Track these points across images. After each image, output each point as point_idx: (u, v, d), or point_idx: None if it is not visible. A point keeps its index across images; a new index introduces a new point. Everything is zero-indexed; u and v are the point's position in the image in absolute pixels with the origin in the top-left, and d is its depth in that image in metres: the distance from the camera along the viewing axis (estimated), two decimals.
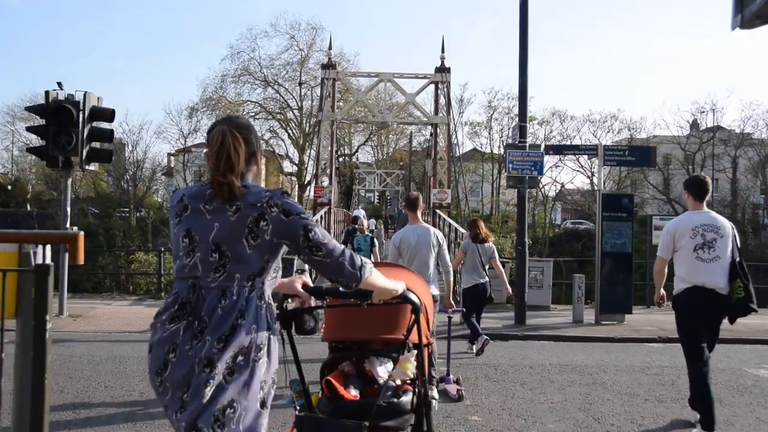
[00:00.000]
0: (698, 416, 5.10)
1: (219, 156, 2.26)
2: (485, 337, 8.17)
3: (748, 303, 5.05)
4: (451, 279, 6.90)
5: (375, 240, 13.65)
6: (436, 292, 6.32)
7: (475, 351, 8.30)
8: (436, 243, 6.49)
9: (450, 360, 7.04)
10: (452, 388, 6.30)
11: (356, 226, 14.08)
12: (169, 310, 2.22)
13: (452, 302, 6.95)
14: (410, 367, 2.98)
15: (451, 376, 6.65)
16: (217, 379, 2.10)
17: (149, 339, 2.25)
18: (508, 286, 8.93)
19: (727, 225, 5.25)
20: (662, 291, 5.43)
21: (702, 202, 5.31)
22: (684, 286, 5.12)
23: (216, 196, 2.26)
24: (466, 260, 8.37)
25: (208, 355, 2.11)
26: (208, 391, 2.09)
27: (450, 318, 7.24)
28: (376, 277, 2.43)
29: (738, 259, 5.16)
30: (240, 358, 2.14)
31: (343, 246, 2.33)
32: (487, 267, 8.39)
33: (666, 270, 5.36)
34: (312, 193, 28.65)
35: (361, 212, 25.56)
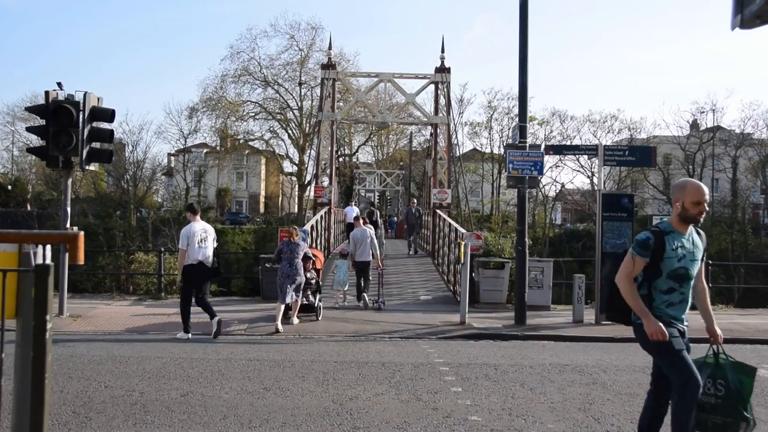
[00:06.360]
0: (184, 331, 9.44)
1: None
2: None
3: (219, 270, 9.76)
4: (378, 252, 13.38)
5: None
6: (368, 259, 13.16)
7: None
8: (368, 236, 13.16)
9: (381, 290, 13.22)
10: (376, 305, 12.85)
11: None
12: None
13: (380, 263, 13.35)
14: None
15: (381, 298, 12.98)
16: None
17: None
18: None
19: (210, 229, 9.64)
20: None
21: (197, 215, 9.63)
22: (192, 262, 9.26)
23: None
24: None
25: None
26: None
27: (380, 272, 13.36)
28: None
29: (216, 245, 9.66)
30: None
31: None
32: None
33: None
34: (312, 193, 28.62)
35: (354, 210, 25.40)
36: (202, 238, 9.39)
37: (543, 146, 13.39)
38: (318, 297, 11.54)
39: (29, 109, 13.93)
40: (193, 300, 9.49)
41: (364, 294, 13.23)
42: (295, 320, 10.85)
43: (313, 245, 16.21)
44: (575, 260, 23.48)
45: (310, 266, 11.35)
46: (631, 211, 12.07)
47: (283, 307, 10.37)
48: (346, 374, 7.10)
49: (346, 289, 13.41)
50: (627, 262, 4.20)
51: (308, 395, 6.16)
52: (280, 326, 10.14)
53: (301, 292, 10.86)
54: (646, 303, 4.19)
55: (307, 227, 16.11)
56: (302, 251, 10.82)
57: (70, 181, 11.41)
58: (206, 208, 43.29)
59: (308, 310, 11.35)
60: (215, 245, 9.66)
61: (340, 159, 42.16)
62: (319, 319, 11.36)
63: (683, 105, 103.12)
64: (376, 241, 13.46)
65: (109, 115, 11.21)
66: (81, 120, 10.62)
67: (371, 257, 13.16)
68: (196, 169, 49.64)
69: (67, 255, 8.61)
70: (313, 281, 11.49)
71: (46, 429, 2.14)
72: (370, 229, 13.71)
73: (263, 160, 55.77)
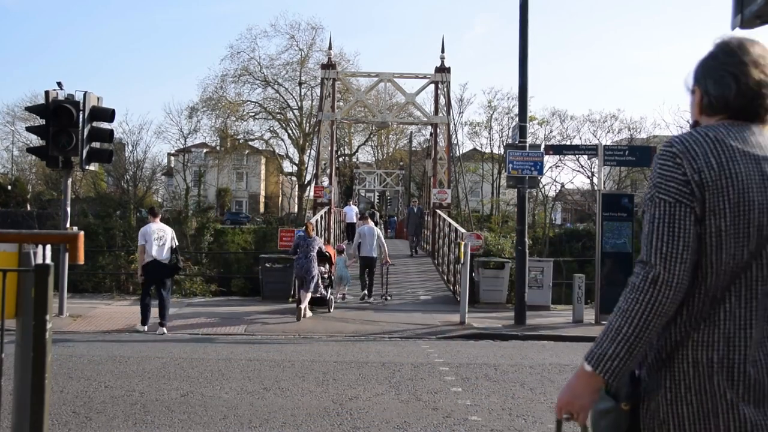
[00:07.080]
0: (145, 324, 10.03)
1: None
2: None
3: (178, 266, 10.28)
4: (386, 249, 14.00)
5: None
6: (375, 255, 13.89)
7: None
8: (375, 234, 13.89)
9: (387, 286, 14.22)
10: (381, 299, 13.79)
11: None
12: None
13: (388, 260, 13.98)
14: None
15: (386, 293, 14.01)
16: None
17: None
18: None
19: (168, 229, 10.24)
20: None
21: (157, 218, 10.38)
22: (148, 259, 9.91)
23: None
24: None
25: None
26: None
27: (388, 267, 14.08)
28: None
29: (176, 245, 10.24)
30: None
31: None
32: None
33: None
34: (312, 193, 28.60)
35: (353, 210, 25.35)
36: (158, 236, 10.04)
37: (543, 146, 13.41)
38: (330, 291, 12.23)
39: (29, 109, 13.96)
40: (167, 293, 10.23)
41: (366, 293, 13.99)
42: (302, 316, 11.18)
43: None
44: (575, 260, 23.45)
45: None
46: (631, 211, 12.07)
47: (308, 296, 11.32)
48: (346, 374, 7.11)
49: (347, 286, 13.84)
50: None
51: (308, 395, 6.16)
52: (306, 312, 11.34)
53: (313, 286, 11.44)
54: None
55: None
56: (317, 245, 11.66)
57: (70, 181, 11.41)
58: (206, 208, 43.21)
59: (321, 303, 12.09)
60: (174, 244, 10.26)
61: (340, 159, 42.15)
62: (332, 311, 12.06)
63: (683, 105, 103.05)
64: (383, 238, 14.37)
65: (109, 115, 11.21)
66: (81, 120, 10.62)
67: (377, 253, 13.98)
68: (196, 169, 49.57)
69: (67, 255, 8.65)
70: (326, 275, 12.00)
71: (46, 429, 2.14)
72: (375, 228, 14.67)
73: (263, 160, 55.73)
